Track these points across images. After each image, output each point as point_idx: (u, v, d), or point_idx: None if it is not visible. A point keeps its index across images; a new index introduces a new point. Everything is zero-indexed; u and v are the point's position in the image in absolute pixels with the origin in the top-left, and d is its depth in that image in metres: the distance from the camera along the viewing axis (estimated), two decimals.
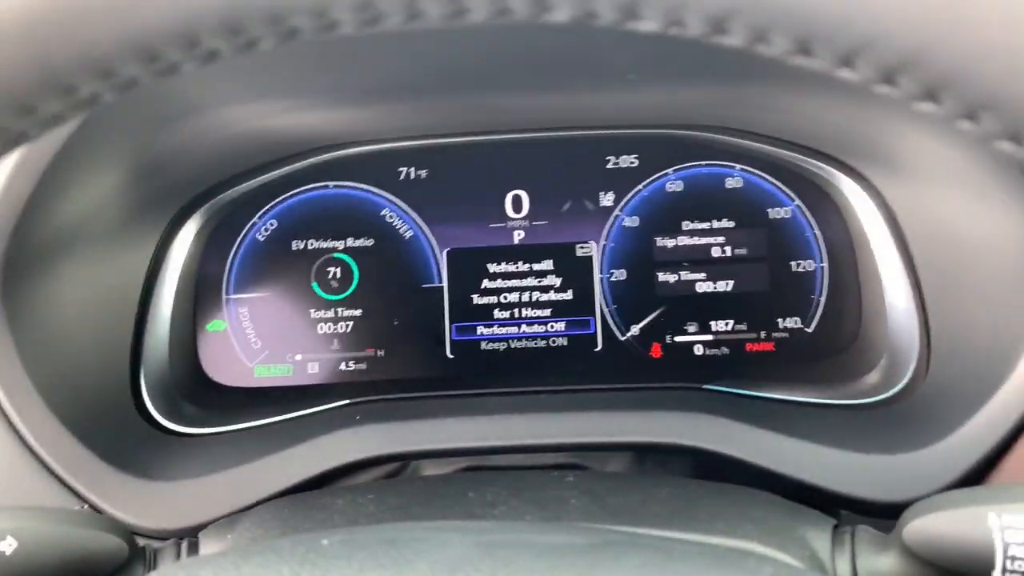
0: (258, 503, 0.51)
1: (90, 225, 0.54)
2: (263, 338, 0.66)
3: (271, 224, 0.68)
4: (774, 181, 0.65)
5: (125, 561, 0.50)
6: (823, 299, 0.67)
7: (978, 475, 0.52)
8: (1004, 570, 0.46)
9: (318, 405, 0.63)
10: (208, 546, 0.51)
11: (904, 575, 0.49)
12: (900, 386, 0.62)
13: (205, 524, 0.50)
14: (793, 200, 0.65)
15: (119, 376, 0.60)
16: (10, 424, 0.52)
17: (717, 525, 0.49)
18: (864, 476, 0.54)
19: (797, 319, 0.66)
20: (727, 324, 0.66)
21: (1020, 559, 0.45)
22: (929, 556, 0.48)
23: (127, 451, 0.56)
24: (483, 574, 0.31)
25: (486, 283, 0.68)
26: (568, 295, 0.66)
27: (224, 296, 0.67)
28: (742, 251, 0.67)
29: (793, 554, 0.48)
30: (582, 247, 0.68)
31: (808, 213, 0.65)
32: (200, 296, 0.66)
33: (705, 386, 0.64)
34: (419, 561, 0.32)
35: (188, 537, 0.49)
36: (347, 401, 0.63)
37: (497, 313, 0.67)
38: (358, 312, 0.66)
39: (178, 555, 0.47)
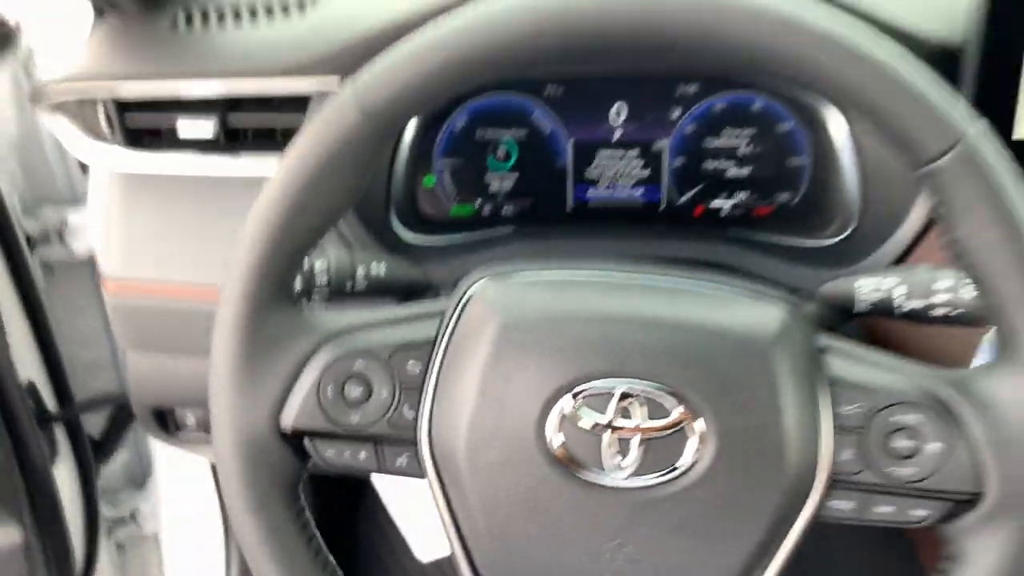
0: None
1: None
2: (457, 189, 1.01)
3: (463, 118, 0.98)
4: (783, 106, 0.93)
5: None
6: (805, 184, 0.96)
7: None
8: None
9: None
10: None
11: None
12: (843, 236, 0.93)
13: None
14: (793, 118, 0.94)
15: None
16: None
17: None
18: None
19: (788, 193, 0.98)
20: (744, 195, 0.98)
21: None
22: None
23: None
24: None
25: (596, 162, 0.98)
26: (646, 173, 0.98)
27: (434, 161, 0.99)
28: (758, 150, 0.95)
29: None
30: (656, 143, 0.96)
31: (803, 127, 0.94)
32: (419, 162, 0.98)
33: (726, 231, 0.97)
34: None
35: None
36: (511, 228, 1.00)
37: (600, 182, 1.00)
38: (516, 175, 1.00)
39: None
